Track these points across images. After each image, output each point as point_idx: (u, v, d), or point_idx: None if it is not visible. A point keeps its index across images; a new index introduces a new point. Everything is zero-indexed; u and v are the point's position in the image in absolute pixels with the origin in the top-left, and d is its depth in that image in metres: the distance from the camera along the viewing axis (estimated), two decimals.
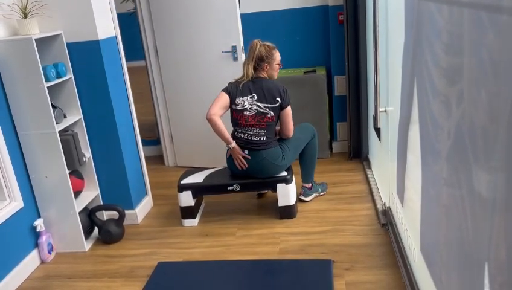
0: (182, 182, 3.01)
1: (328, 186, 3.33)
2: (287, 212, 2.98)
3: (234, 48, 3.47)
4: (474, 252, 1.20)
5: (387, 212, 2.74)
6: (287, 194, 2.93)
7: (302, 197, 3.17)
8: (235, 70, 3.50)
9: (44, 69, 2.56)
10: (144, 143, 3.41)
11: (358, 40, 3.45)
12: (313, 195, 3.21)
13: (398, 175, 2.33)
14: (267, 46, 2.89)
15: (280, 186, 2.92)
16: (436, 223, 1.62)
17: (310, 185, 3.18)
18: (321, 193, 3.25)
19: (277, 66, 2.94)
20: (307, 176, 3.16)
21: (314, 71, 3.80)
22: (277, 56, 2.92)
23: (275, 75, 2.97)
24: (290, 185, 2.92)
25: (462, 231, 1.29)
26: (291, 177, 2.94)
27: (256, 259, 2.59)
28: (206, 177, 3.05)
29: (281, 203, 2.96)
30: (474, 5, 1.09)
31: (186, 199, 2.98)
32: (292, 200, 2.97)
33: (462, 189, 1.27)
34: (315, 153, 3.14)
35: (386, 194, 2.85)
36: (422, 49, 1.65)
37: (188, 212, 3.02)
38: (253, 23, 3.87)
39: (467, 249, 1.26)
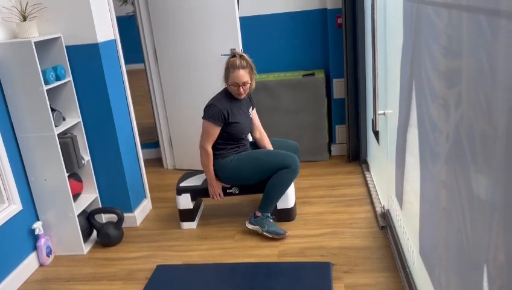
0: (181, 184, 3.01)
1: (285, 235, 2.77)
2: (286, 215, 2.98)
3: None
4: (473, 254, 1.21)
5: (386, 215, 2.74)
6: (285, 197, 2.92)
7: (246, 222, 2.88)
8: None
9: (43, 72, 2.56)
10: (143, 146, 3.41)
11: (357, 43, 3.46)
12: (256, 227, 2.82)
13: (397, 178, 2.34)
14: (231, 62, 2.71)
15: None
16: (435, 226, 1.62)
17: (259, 214, 2.82)
18: (266, 233, 2.78)
19: (232, 87, 2.73)
20: (261, 203, 2.84)
21: (313, 74, 3.80)
22: (233, 77, 2.70)
23: (236, 95, 2.76)
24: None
25: (461, 233, 1.29)
26: None
27: (255, 262, 2.59)
28: (205, 180, 3.04)
29: (280, 206, 2.95)
30: (472, 8, 1.09)
31: (185, 201, 2.98)
32: (291, 203, 2.97)
33: (461, 192, 1.27)
34: (278, 185, 2.77)
35: (385, 197, 2.85)
36: (420, 52, 1.65)
37: (187, 215, 3.02)
38: (252, 27, 3.88)
39: (466, 252, 1.27)
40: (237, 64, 2.71)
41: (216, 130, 2.77)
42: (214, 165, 2.86)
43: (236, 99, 2.84)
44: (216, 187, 2.90)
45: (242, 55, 2.76)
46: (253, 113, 3.02)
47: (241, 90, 2.74)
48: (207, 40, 3.55)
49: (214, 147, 2.85)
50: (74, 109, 2.84)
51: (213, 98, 2.85)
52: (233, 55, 2.78)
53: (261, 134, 3.04)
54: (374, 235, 2.71)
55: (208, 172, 2.88)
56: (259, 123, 3.06)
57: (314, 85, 3.74)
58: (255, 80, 2.86)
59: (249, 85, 2.78)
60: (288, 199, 2.95)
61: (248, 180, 2.88)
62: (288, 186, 2.82)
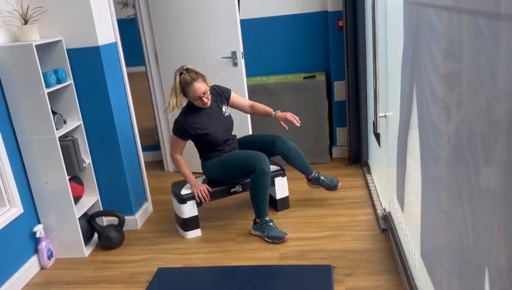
0: (183, 193, 2.92)
1: (285, 238, 2.75)
2: (284, 204, 3.18)
3: (234, 53, 3.48)
4: (475, 257, 1.20)
5: (387, 218, 2.74)
6: (283, 186, 3.13)
7: (251, 228, 2.93)
8: (234, 76, 3.51)
9: (44, 75, 2.57)
10: (144, 148, 3.41)
11: (358, 45, 3.46)
12: (258, 233, 2.86)
13: (398, 180, 2.33)
14: (182, 80, 2.72)
15: (277, 180, 3.09)
16: (436, 229, 1.61)
17: (258, 220, 2.85)
18: (266, 239, 2.79)
19: (195, 101, 2.77)
20: (254, 211, 2.87)
21: (314, 76, 3.81)
22: (191, 92, 2.73)
23: (202, 106, 2.80)
24: (285, 177, 3.14)
25: (463, 236, 1.29)
26: (284, 170, 3.13)
27: (256, 265, 2.58)
28: (206, 183, 3.03)
29: (278, 196, 3.12)
30: (473, 11, 1.09)
31: (191, 209, 2.92)
32: (287, 192, 3.18)
33: (462, 194, 1.27)
34: (257, 191, 2.79)
35: (386, 200, 2.85)
36: (421, 54, 1.65)
37: (193, 223, 2.96)
38: (252, 29, 3.89)
39: (467, 255, 1.26)
40: (188, 79, 2.71)
41: (181, 143, 2.91)
42: (201, 165, 2.98)
43: (201, 108, 2.86)
44: (200, 187, 2.90)
45: (187, 68, 2.76)
46: (233, 99, 3.02)
47: (205, 100, 2.77)
48: (208, 42, 3.56)
49: (199, 149, 2.97)
50: (75, 111, 2.84)
51: (179, 113, 2.88)
52: (179, 73, 2.76)
53: (253, 106, 3.07)
54: (375, 238, 2.71)
55: (186, 177, 2.94)
56: (245, 100, 3.14)
57: (315, 87, 3.74)
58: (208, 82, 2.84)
59: (209, 92, 2.79)
60: (285, 188, 3.16)
61: (228, 181, 2.97)
62: (266, 188, 2.79)
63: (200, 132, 2.84)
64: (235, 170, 2.87)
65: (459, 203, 1.29)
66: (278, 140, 2.97)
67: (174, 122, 2.89)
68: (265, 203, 2.84)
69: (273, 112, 3.00)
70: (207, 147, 2.93)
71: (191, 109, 2.86)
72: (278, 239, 2.77)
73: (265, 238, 2.80)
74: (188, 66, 2.78)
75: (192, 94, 2.76)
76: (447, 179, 1.42)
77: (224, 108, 2.97)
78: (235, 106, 3.05)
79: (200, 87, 2.74)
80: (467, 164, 1.21)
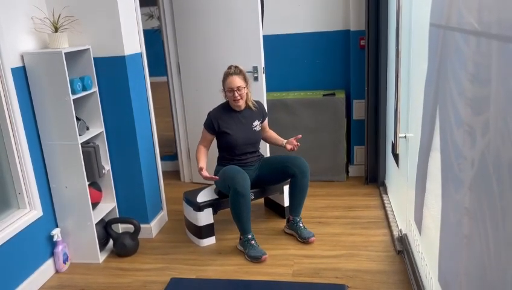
0: (199, 201, 2.98)
1: (262, 259, 2.74)
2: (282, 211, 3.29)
3: (255, 68, 3.52)
4: (497, 284, 1.19)
5: (403, 240, 2.71)
6: (283, 195, 3.22)
7: (237, 244, 2.95)
8: (255, 91, 3.54)
9: (71, 81, 2.63)
10: (161, 158, 3.44)
11: (379, 65, 3.47)
12: (241, 249, 2.88)
13: (417, 202, 2.31)
14: (226, 71, 2.91)
15: (286, 188, 3.16)
16: (456, 253, 1.59)
17: (242, 237, 2.87)
18: (246, 257, 2.80)
19: (228, 93, 2.90)
20: (237, 226, 2.90)
21: (333, 94, 3.82)
22: (227, 83, 2.88)
23: (233, 101, 2.90)
24: None
25: (485, 262, 1.27)
26: None
27: (269, 280, 2.57)
28: (216, 192, 3.07)
29: (286, 204, 3.18)
30: (503, 37, 1.10)
31: (206, 217, 2.97)
32: (286, 202, 3.20)
33: (486, 220, 1.25)
34: (232, 210, 2.81)
35: (403, 221, 2.82)
36: (446, 77, 1.65)
37: (208, 230, 3.01)
38: (275, 45, 3.93)
39: (489, 281, 1.24)
40: (231, 71, 2.90)
41: (207, 136, 3.01)
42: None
43: (236, 111, 2.96)
44: (201, 172, 2.85)
45: (236, 66, 2.93)
46: (265, 123, 3.16)
47: (237, 94, 2.87)
48: (230, 56, 3.60)
49: (219, 153, 3.07)
50: (98, 119, 2.89)
51: (214, 107, 3.04)
52: (228, 66, 2.95)
53: (269, 132, 3.21)
54: (390, 259, 2.67)
55: (197, 160, 2.97)
56: (267, 128, 3.22)
57: (334, 105, 3.75)
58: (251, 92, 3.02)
59: (244, 90, 2.90)
60: (285, 198, 3.22)
61: (220, 188, 2.99)
62: (241, 207, 2.77)
63: (222, 129, 2.94)
64: (222, 185, 2.92)
65: (482, 228, 1.28)
66: (298, 160, 2.96)
67: (207, 115, 3.01)
68: (244, 221, 2.82)
69: (284, 142, 3.07)
70: (225, 150, 3.00)
71: (226, 109, 3.00)
72: (255, 259, 2.76)
73: (246, 257, 2.80)
74: (238, 65, 2.95)
75: (227, 84, 2.88)
76: (469, 203, 1.40)
77: (256, 123, 3.03)
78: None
79: (237, 81, 2.86)
80: (491, 189, 1.20)
